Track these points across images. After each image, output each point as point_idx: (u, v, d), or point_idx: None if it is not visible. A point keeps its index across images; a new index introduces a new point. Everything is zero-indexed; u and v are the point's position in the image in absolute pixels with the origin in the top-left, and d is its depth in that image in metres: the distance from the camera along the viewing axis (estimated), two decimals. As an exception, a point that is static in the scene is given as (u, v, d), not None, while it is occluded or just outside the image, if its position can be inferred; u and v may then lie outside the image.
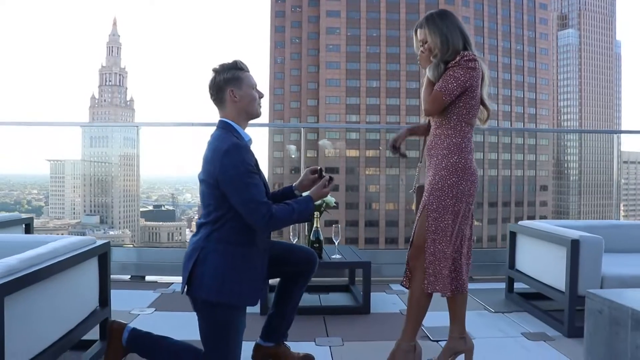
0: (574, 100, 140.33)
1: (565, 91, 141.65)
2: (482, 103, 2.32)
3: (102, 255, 2.42)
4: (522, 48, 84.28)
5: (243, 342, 2.27)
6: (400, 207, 57.63)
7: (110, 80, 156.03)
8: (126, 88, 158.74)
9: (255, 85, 2.18)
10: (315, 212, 3.24)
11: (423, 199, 2.28)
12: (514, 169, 69.20)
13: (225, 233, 2.04)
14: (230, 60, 2.15)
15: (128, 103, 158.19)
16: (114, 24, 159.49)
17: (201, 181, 2.09)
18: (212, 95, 2.14)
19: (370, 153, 66.68)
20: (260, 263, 2.12)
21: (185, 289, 2.08)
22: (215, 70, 2.13)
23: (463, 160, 2.22)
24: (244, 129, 2.16)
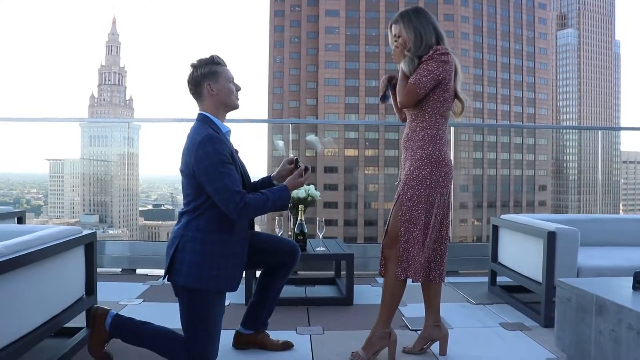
0: (573, 99, 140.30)
1: (564, 91, 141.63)
2: (457, 96, 2.39)
3: (89, 244, 2.49)
4: (521, 47, 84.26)
5: (225, 330, 2.35)
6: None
7: (109, 80, 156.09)
8: (125, 87, 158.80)
9: (232, 79, 2.25)
10: (300, 205, 3.31)
11: (398, 189, 2.36)
12: (512, 168, 69.26)
13: (203, 221, 2.12)
14: (207, 56, 2.22)
15: (127, 102, 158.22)
16: (114, 23, 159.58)
17: (181, 172, 2.17)
18: (190, 89, 2.22)
19: (369, 152, 66.75)
20: (240, 250, 2.20)
21: (167, 276, 2.16)
22: (193, 66, 2.21)
23: (437, 152, 2.29)
24: (222, 121, 2.23)
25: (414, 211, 2.28)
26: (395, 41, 2.36)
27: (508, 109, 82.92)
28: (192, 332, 2.12)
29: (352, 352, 2.37)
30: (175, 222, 2.24)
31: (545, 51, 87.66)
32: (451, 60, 2.28)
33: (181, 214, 2.19)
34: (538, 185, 70.23)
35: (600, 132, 4.99)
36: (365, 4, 79.51)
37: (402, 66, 2.31)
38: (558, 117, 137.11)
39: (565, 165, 77.65)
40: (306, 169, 2.30)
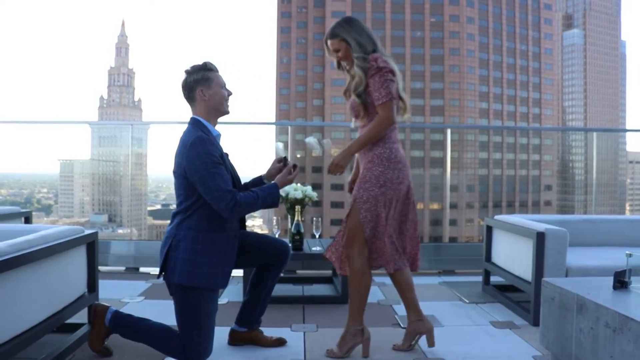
0: (579, 100, 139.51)
1: (570, 91, 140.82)
2: (399, 97, 2.43)
3: (90, 243, 2.58)
4: (526, 48, 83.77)
5: (221, 327, 2.44)
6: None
7: (118, 81, 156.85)
8: (134, 88, 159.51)
9: (224, 85, 2.34)
10: (297, 206, 3.39)
11: (353, 192, 2.42)
12: (518, 168, 69.02)
13: (195, 221, 2.21)
14: (201, 62, 2.31)
15: (136, 103, 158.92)
16: (123, 25, 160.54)
17: (174, 174, 2.26)
18: (184, 94, 2.31)
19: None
20: (230, 248, 2.28)
21: (162, 275, 2.26)
22: (186, 72, 2.30)
23: (387, 150, 2.36)
24: (214, 125, 2.32)
25: (374, 211, 2.34)
26: (337, 55, 2.43)
27: (514, 110, 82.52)
28: (187, 328, 2.21)
29: (327, 350, 2.45)
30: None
31: (551, 52, 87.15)
32: (390, 64, 2.34)
33: (174, 215, 2.28)
34: (544, 185, 69.97)
35: (595, 134, 5.04)
36: (371, 5, 79.44)
37: (356, 70, 2.37)
38: (564, 118, 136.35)
39: (571, 165, 77.28)
40: (294, 166, 2.38)
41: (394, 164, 2.36)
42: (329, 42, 2.44)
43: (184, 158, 2.18)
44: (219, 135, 2.33)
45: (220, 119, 2.38)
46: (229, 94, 2.35)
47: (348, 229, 2.39)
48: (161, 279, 2.29)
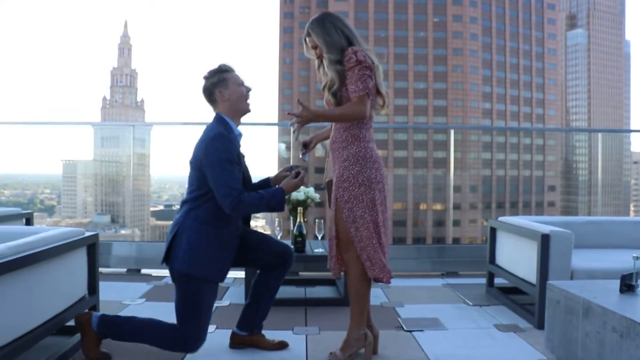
0: (583, 100, 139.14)
1: (574, 91, 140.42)
2: (378, 91, 2.40)
3: (91, 245, 2.57)
4: (530, 48, 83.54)
5: (222, 330, 2.41)
6: (408, 207, 57.70)
7: (121, 82, 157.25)
8: (137, 89, 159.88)
9: (242, 82, 2.39)
10: (299, 208, 3.37)
11: (333, 192, 2.37)
12: (521, 169, 68.90)
13: (202, 212, 2.26)
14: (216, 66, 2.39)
15: (138, 104, 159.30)
16: (125, 25, 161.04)
17: (190, 164, 2.32)
18: (205, 99, 2.39)
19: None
20: (231, 245, 2.33)
21: (166, 262, 2.30)
22: (204, 77, 2.38)
23: (363, 150, 2.32)
24: (237, 125, 2.38)
25: (356, 211, 2.29)
26: (316, 51, 2.40)
27: (517, 110, 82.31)
28: (184, 316, 2.25)
29: (330, 353, 2.42)
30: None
31: (555, 52, 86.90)
32: (369, 59, 2.30)
33: (182, 203, 2.34)
34: (547, 186, 69.81)
35: (600, 134, 5.00)
36: (374, 5, 79.36)
37: (328, 72, 2.33)
38: (567, 118, 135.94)
39: (574, 166, 77.02)
40: (298, 173, 2.40)
41: (371, 163, 2.32)
42: (307, 39, 2.41)
43: (202, 150, 2.25)
44: (240, 135, 2.38)
45: None
46: (248, 90, 2.40)
47: (340, 232, 2.36)
48: (161, 264, 2.32)
